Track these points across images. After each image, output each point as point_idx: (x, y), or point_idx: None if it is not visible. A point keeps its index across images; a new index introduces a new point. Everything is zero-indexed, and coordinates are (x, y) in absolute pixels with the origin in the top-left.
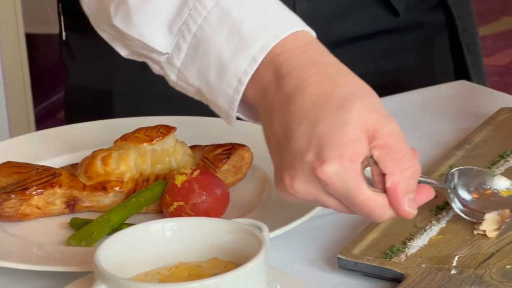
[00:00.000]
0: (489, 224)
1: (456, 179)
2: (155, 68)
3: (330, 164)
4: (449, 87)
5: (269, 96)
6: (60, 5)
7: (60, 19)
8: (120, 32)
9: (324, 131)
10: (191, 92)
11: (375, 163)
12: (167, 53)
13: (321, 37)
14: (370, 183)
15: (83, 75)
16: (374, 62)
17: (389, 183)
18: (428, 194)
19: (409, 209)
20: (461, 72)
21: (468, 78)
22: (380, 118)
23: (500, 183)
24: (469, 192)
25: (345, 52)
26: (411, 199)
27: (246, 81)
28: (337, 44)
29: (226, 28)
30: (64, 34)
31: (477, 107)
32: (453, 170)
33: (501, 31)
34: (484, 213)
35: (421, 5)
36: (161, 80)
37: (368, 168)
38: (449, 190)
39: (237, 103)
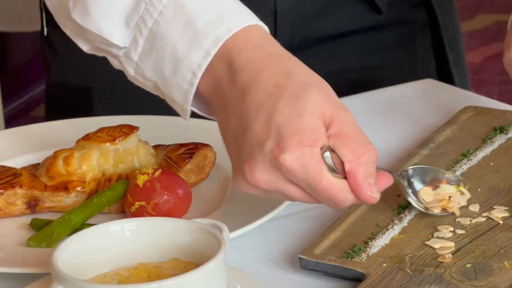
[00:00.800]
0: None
1: (410, 173)
2: (114, 63)
3: (291, 151)
4: (415, 86)
5: (224, 90)
6: (41, 1)
7: (42, 15)
8: (80, 27)
9: (282, 120)
10: (148, 87)
11: (333, 150)
12: (125, 47)
13: (303, 34)
14: (333, 170)
15: (64, 71)
16: (357, 58)
17: (347, 169)
18: (387, 179)
19: (370, 193)
20: (443, 69)
21: (450, 76)
22: (335, 108)
23: (452, 179)
24: (423, 183)
25: (327, 49)
26: (371, 184)
27: (199, 74)
28: (319, 41)
29: (180, 22)
30: (45, 30)
31: (442, 106)
32: (408, 168)
33: (476, 28)
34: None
35: (403, 2)
36: None
37: (328, 154)
38: (402, 181)
39: (191, 96)
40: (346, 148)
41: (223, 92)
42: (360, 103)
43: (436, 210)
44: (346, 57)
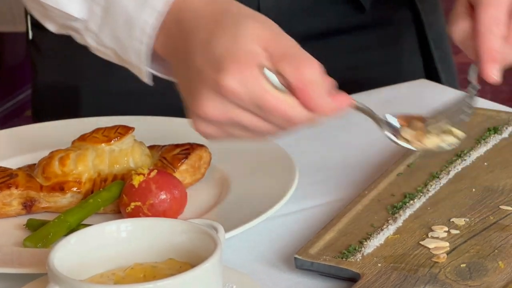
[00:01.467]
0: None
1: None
2: (77, 38)
3: (229, 74)
4: (409, 86)
5: (178, 46)
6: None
7: (27, 17)
8: (41, 4)
9: (219, 48)
10: (110, 56)
11: (278, 72)
12: (84, 20)
13: (287, 33)
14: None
15: (51, 72)
16: (343, 58)
17: (293, 85)
18: (346, 99)
19: (323, 102)
20: (430, 68)
21: (436, 73)
22: (273, 32)
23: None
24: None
25: (312, 48)
26: (321, 93)
27: (152, 33)
28: (304, 39)
29: None
30: (31, 32)
31: (436, 106)
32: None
33: None
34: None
35: (387, 2)
36: (130, 76)
37: (270, 73)
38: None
39: (145, 55)
40: (288, 65)
41: (177, 48)
42: None
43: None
44: (332, 57)
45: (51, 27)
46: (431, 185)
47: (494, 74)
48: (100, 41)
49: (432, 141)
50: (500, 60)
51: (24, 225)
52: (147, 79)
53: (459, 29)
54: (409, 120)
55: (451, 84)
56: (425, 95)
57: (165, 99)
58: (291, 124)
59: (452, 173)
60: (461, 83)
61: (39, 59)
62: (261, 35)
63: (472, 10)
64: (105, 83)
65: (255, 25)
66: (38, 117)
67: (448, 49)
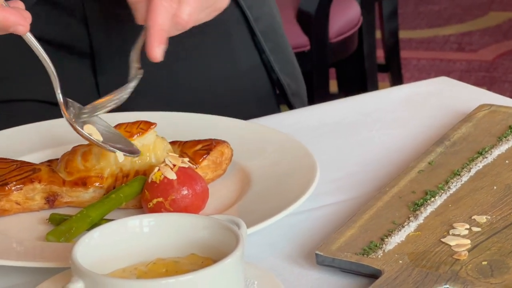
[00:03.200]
0: None
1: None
2: None
3: None
4: (430, 83)
5: None
6: None
7: None
8: None
9: None
10: None
11: None
12: None
13: (118, 38)
14: None
15: None
16: (173, 64)
17: None
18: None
19: None
20: (265, 61)
21: (270, 65)
22: None
23: None
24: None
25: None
26: None
27: None
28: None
29: None
30: None
31: (457, 104)
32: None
33: (487, 26)
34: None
35: None
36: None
37: None
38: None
39: None
40: None
41: None
42: (375, 100)
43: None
44: (175, 68)
45: None
46: (452, 183)
47: (158, 54)
48: None
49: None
50: (165, 39)
51: (47, 219)
52: None
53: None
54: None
55: (285, 72)
56: (445, 92)
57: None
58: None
59: (473, 171)
60: (484, 81)
61: None
62: None
63: None
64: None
65: None
66: None
67: (282, 40)
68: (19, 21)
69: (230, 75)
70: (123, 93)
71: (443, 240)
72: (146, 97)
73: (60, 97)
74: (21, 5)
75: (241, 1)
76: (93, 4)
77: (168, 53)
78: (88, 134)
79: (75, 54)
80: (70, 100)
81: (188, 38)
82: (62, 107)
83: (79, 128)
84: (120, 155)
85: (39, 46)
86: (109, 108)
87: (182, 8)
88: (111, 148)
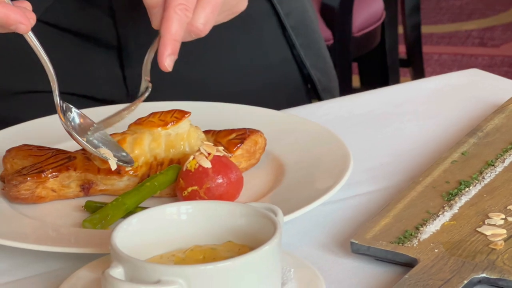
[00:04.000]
0: None
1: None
2: None
3: None
4: (461, 75)
5: None
6: None
7: None
8: None
9: None
10: None
11: None
12: None
13: (146, 30)
14: None
15: None
16: (202, 56)
17: None
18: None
19: None
20: (295, 55)
21: (301, 60)
22: None
23: None
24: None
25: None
26: None
27: None
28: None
29: None
30: None
31: (489, 95)
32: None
33: (510, 21)
34: None
35: None
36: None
37: None
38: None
39: None
40: None
41: None
42: (405, 92)
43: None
44: (205, 59)
45: None
46: (486, 173)
47: (168, 64)
48: None
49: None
50: (177, 49)
51: (82, 206)
52: None
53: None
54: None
55: (315, 67)
56: (476, 84)
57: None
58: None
59: (507, 161)
60: (508, 76)
61: None
62: None
63: None
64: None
65: None
66: None
67: (315, 35)
68: (20, 20)
69: (260, 68)
70: (132, 106)
71: (478, 229)
72: (176, 88)
73: (57, 99)
74: (28, 6)
75: (275, 3)
76: None
77: (199, 45)
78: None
79: (102, 46)
80: (70, 105)
81: (219, 30)
82: (59, 110)
83: (75, 134)
84: (113, 163)
85: (40, 46)
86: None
87: (197, 17)
88: (104, 156)
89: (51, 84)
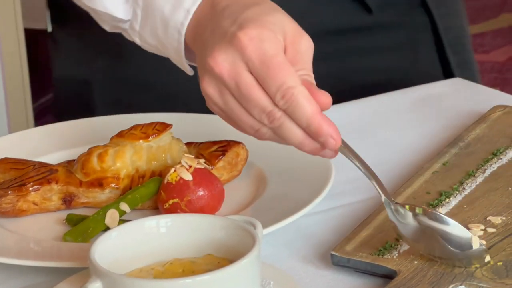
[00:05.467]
0: None
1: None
2: (126, 36)
3: (252, 28)
4: (443, 85)
5: (203, 23)
6: None
7: (47, 12)
8: (92, 10)
9: (250, 15)
10: (156, 50)
11: None
12: (129, 20)
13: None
14: None
15: (66, 66)
16: (356, 60)
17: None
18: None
19: (325, 98)
20: (448, 73)
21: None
22: (297, 28)
23: None
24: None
25: (323, 48)
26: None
27: (183, 32)
28: (314, 36)
29: None
30: (50, 26)
31: (471, 105)
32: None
33: (500, 27)
34: None
35: (400, 5)
36: (140, 68)
37: None
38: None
39: (182, 52)
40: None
41: (203, 27)
42: (388, 102)
43: None
44: (343, 57)
45: (105, 27)
46: (467, 184)
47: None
48: (143, 39)
49: None
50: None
51: (63, 220)
52: (188, 71)
53: None
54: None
55: None
56: (459, 93)
57: (176, 90)
58: (283, 88)
59: (488, 172)
60: (496, 83)
61: (56, 52)
62: (287, 25)
63: None
64: (116, 77)
65: (284, 16)
66: (58, 110)
67: (470, 54)
68: (332, 134)
69: (407, 79)
70: None
71: None
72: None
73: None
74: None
75: (433, 9)
76: None
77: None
78: None
79: None
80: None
81: (371, 35)
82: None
83: None
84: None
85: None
86: None
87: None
88: None
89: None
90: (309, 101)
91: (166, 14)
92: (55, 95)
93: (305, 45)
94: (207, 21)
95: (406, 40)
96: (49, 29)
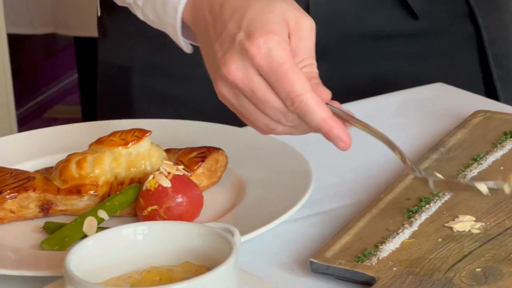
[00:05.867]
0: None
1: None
2: (133, 10)
3: (258, 36)
4: (426, 89)
5: (203, 12)
6: None
7: None
8: None
9: (253, 15)
10: (157, 25)
11: None
12: None
13: (338, 32)
14: None
15: (110, 51)
16: (394, 63)
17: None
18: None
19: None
20: (489, 85)
21: (495, 91)
22: (298, 13)
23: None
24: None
25: (365, 50)
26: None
27: (180, 9)
28: (356, 41)
29: None
30: (99, 11)
31: (453, 110)
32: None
33: None
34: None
35: (445, 12)
36: (179, 58)
37: None
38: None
39: (179, 30)
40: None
41: (203, 15)
42: (371, 106)
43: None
44: (384, 61)
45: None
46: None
47: None
48: (145, 15)
49: None
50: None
51: (41, 228)
52: (186, 48)
53: None
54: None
55: (510, 103)
56: (441, 98)
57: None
58: (292, 96)
59: (468, 177)
60: None
61: (102, 37)
62: (289, 13)
63: None
64: (155, 64)
65: (287, 4)
66: (102, 93)
67: None
68: (341, 137)
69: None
70: None
71: (437, 246)
72: None
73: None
74: (353, 114)
75: (479, 20)
76: None
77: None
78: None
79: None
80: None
81: (414, 41)
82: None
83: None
84: (483, 188)
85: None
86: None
87: None
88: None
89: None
90: (318, 106)
91: None
92: (100, 79)
93: (306, 29)
94: (203, 4)
95: (448, 48)
96: (99, 13)
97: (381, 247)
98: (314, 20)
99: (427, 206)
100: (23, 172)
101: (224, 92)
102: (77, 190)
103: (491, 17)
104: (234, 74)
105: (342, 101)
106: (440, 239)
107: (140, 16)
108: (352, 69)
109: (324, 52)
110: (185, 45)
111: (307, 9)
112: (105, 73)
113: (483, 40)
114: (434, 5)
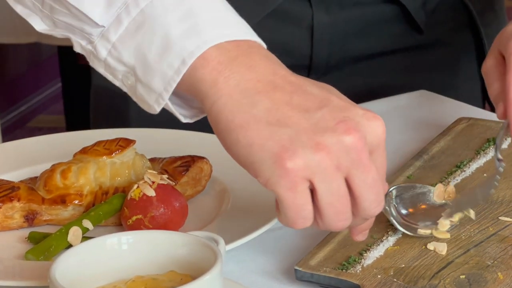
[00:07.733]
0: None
1: (394, 196)
2: (79, 44)
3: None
4: (409, 96)
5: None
6: None
7: None
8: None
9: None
10: (119, 72)
11: None
12: (103, 27)
13: (342, 52)
14: None
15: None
16: (398, 78)
17: None
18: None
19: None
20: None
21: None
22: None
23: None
24: (405, 207)
25: (367, 67)
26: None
27: (190, 62)
28: (358, 59)
29: (181, 10)
30: None
31: (436, 117)
32: (391, 189)
33: None
34: (417, 226)
35: (446, 23)
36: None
37: None
38: (387, 208)
39: (174, 84)
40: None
41: (220, 83)
42: None
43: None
44: (386, 76)
45: (40, 26)
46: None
47: None
48: (116, 54)
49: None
50: None
51: (26, 238)
52: (158, 108)
53: (493, 89)
54: None
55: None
56: (424, 106)
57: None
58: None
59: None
60: None
61: None
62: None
63: (504, 63)
64: None
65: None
66: (95, 120)
67: None
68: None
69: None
70: (486, 189)
71: (421, 254)
72: None
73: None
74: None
75: (481, 29)
76: (323, 16)
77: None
78: None
79: (293, 65)
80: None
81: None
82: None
83: None
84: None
85: None
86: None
87: None
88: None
89: None
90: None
91: (173, 36)
92: (92, 104)
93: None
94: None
95: (449, 60)
96: None
97: (365, 254)
98: (319, 40)
99: None
100: (8, 182)
101: (285, 184)
102: (62, 200)
103: (492, 27)
104: (300, 166)
105: None
106: (424, 246)
107: (103, 53)
108: (352, 79)
109: (328, 70)
110: (162, 103)
111: (311, 29)
112: (98, 99)
113: (484, 49)
114: (437, 17)
